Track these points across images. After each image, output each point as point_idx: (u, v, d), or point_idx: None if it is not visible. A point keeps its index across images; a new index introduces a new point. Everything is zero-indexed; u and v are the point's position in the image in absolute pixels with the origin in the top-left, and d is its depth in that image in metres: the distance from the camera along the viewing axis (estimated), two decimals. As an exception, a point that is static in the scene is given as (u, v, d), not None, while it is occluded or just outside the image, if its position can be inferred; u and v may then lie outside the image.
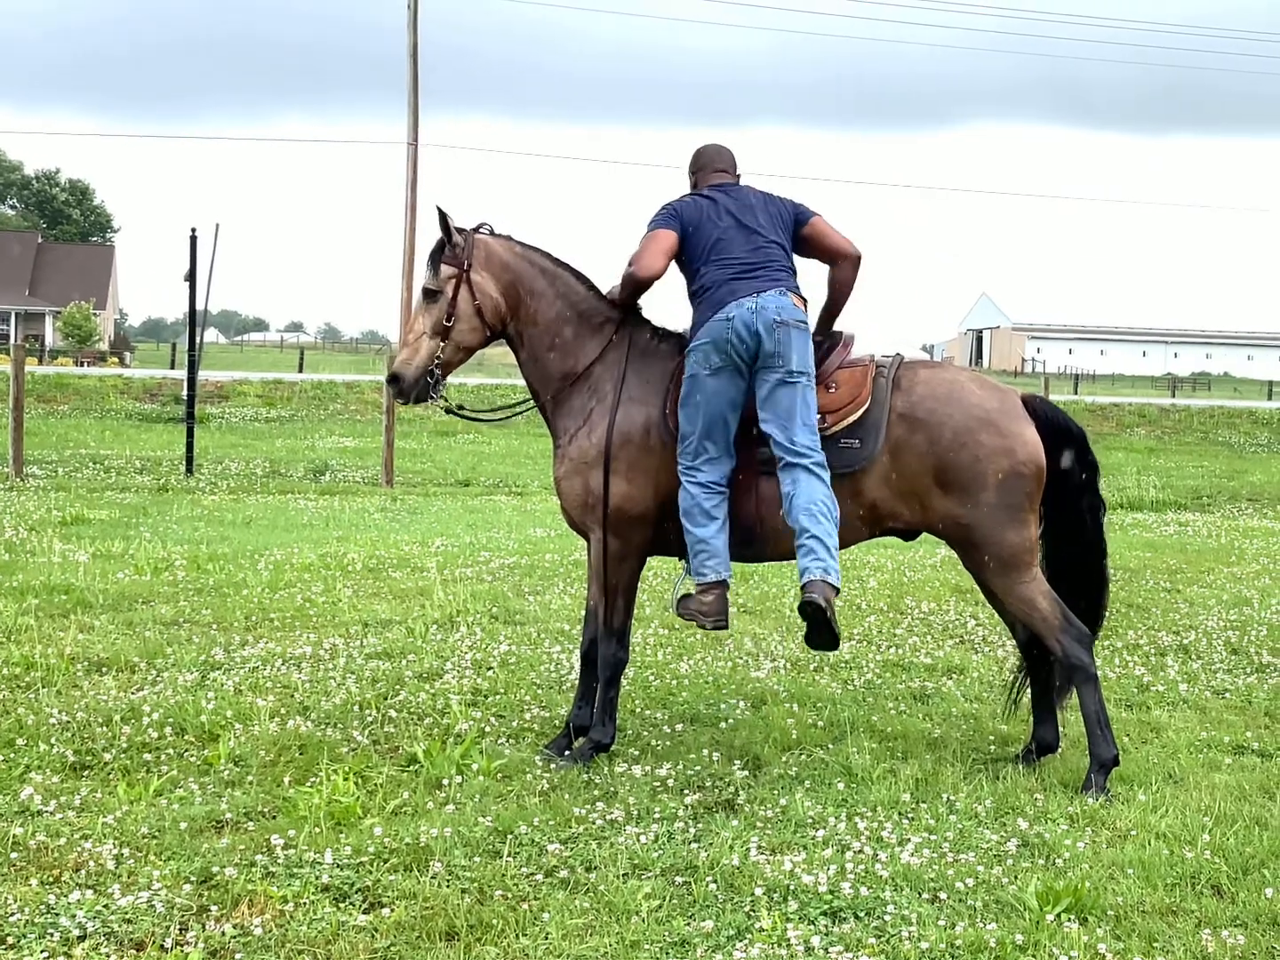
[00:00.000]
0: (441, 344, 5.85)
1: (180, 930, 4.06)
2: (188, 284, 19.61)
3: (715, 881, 4.49)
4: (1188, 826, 5.10)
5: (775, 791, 5.46)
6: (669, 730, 6.32)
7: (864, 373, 5.77)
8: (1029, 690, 6.21)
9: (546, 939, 4.08)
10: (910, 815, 5.22)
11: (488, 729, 6.22)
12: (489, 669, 7.36)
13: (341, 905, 4.28)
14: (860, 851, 4.76)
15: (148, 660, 7.24)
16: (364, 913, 4.23)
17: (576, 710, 6.08)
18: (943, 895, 4.42)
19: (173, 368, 39.85)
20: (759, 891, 4.38)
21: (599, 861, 4.66)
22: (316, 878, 4.42)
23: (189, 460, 19.47)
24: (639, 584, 6.17)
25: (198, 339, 20.25)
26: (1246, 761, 6.08)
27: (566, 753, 5.85)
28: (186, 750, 5.79)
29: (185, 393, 20.95)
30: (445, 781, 5.40)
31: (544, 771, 5.63)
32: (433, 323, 5.85)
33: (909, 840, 4.88)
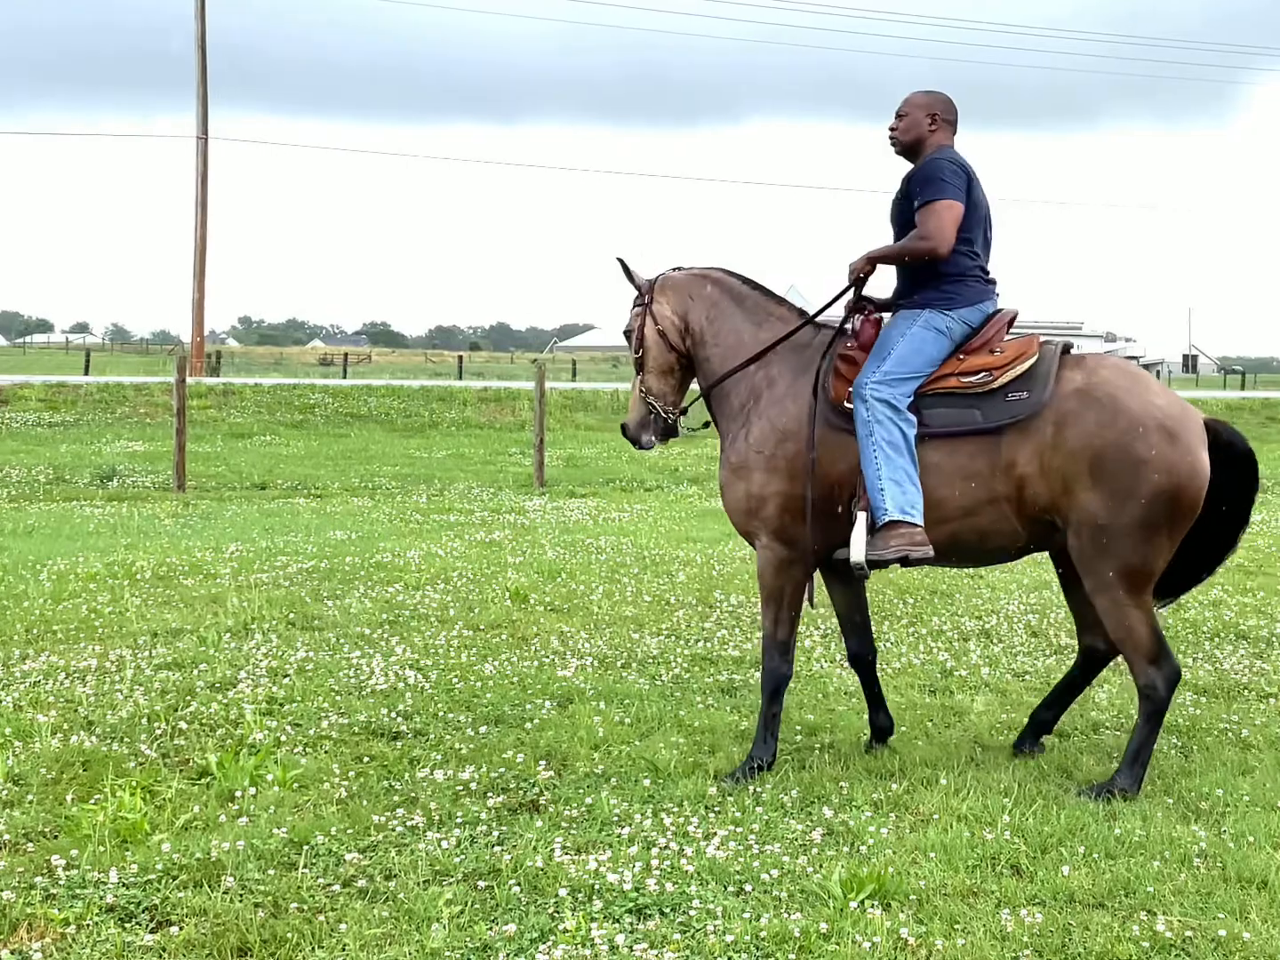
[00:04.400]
0: (642, 378, 6.10)
1: (-51, 962, 3.82)
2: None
3: (519, 884, 4.40)
4: (988, 808, 5.18)
5: (581, 791, 5.39)
6: (473, 733, 6.20)
7: (1030, 339, 5.65)
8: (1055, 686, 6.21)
9: (344, 950, 3.95)
10: (717, 809, 5.21)
11: (284, 738, 6.03)
12: (285, 676, 7.14)
13: (127, 925, 4.10)
14: (666, 847, 4.73)
15: (-83, 677, 6.84)
16: (151, 932, 4.05)
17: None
18: (748, 887, 4.41)
19: (-51, 372, 38.07)
20: (563, 892, 4.31)
21: (399, 869, 4.53)
22: (101, 898, 4.22)
23: (-33, 468, 18.61)
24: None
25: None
26: (1045, 741, 6.21)
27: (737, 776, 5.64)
28: (-41, 771, 5.47)
29: (-38, 397, 20.03)
30: (238, 793, 5.21)
31: (342, 780, 5.47)
32: (635, 361, 6.16)
33: (715, 834, 4.86)
